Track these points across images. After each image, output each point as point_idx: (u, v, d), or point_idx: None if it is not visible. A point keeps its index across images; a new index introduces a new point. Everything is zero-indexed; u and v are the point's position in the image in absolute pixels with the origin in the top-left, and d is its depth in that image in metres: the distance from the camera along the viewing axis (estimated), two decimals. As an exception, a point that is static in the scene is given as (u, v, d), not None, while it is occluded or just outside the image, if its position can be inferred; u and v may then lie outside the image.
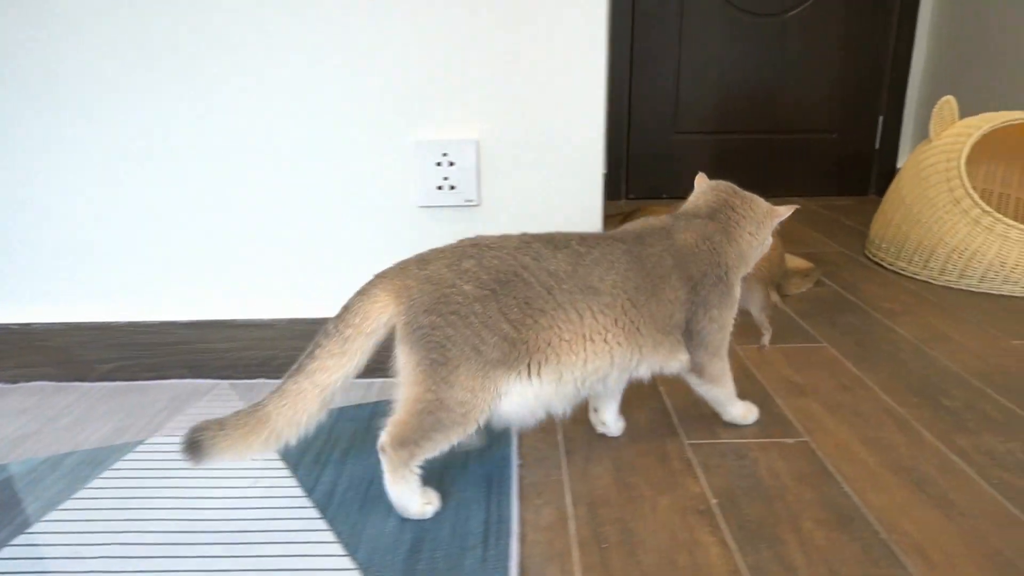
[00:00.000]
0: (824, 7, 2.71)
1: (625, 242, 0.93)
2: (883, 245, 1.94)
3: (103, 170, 1.18)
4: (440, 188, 1.19)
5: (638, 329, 0.91)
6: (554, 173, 1.21)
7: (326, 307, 1.26)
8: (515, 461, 1.00)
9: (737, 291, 1.02)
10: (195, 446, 0.79)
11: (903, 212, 1.87)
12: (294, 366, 0.83)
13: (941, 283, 1.76)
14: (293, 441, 0.82)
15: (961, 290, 1.72)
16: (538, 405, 0.89)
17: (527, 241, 0.89)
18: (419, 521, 0.87)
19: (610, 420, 1.07)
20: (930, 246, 1.78)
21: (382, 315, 0.83)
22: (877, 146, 2.88)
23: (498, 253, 0.86)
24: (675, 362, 0.98)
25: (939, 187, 1.78)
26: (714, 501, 0.91)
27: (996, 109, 2.32)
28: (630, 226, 1.00)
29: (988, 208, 1.70)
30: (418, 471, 0.87)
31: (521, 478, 0.97)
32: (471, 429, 0.85)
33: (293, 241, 1.23)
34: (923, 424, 1.10)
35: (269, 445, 0.82)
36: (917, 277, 1.82)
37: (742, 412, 1.09)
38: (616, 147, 2.85)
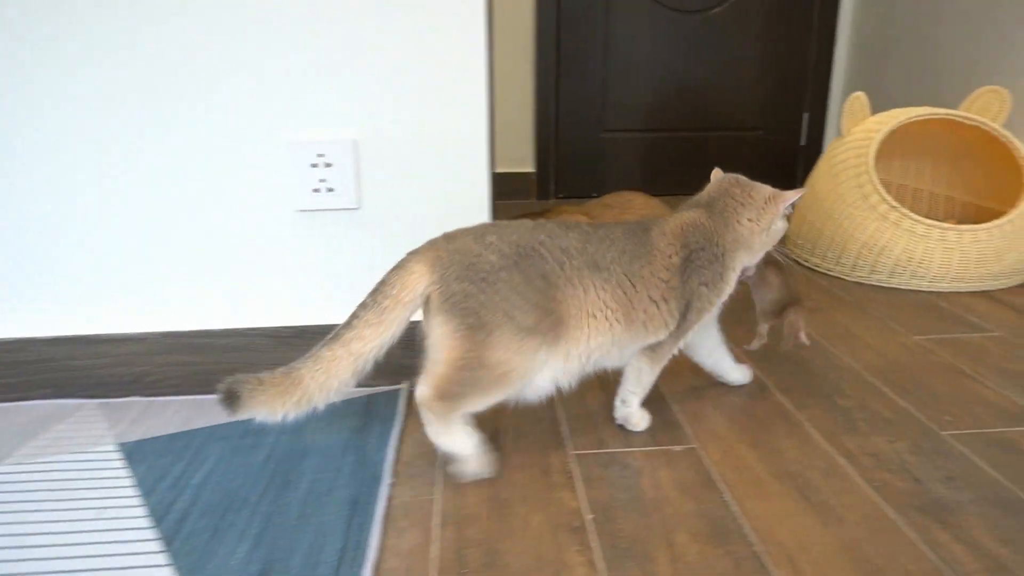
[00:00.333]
0: (746, 5, 2.72)
1: (628, 223, 1.00)
2: (799, 242, 1.94)
3: (-53, 176, 1.09)
4: (317, 191, 1.13)
5: (631, 303, 0.95)
6: (439, 173, 1.15)
7: (202, 319, 1.19)
8: (386, 480, 0.95)
9: (731, 279, 1.04)
10: (233, 396, 0.81)
11: (816, 208, 1.87)
12: (329, 335, 0.86)
13: (853, 279, 1.76)
14: (321, 407, 0.86)
15: (872, 286, 1.72)
16: (550, 382, 0.93)
17: (540, 223, 0.94)
18: (268, 549, 0.81)
19: (633, 405, 1.07)
20: (842, 242, 1.78)
21: (418, 285, 0.87)
22: (803, 143, 2.90)
23: (516, 230, 0.91)
24: (654, 337, 0.99)
25: (850, 183, 1.78)
26: (589, 516, 0.87)
27: (916, 104, 2.35)
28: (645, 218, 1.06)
29: (895, 203, 1.70)
30: (461, 419, 0.91)
31: (390, 499, 0.91)
32: (508, 391, 0.89)
33: (164, 250, 1.15)
34: (815, 425, 1.08)
35: (300, 407, 0.85)
36: (830, 273, 1.82)
37: (639, 416, 1.07)
38: (544, 147, 2.81)
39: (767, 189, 1.07)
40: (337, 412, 1.12)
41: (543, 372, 0.92)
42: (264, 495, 0.92)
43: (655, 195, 2.96)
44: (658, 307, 0.96)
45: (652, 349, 1.01)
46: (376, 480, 0.94)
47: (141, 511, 0.89)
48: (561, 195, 2.87)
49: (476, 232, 0.91)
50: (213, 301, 1.18)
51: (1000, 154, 1.81)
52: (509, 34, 2.69)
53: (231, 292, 1.18)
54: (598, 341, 0.93)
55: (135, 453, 1.02)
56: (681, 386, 1.20)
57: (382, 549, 0.82)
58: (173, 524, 0.86)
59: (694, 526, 0.85)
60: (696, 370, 1.21)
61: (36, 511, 0.88)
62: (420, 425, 1.08)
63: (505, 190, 2.84)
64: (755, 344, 1.24)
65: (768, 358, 1.31)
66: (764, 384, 1.22)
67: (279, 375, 0.84)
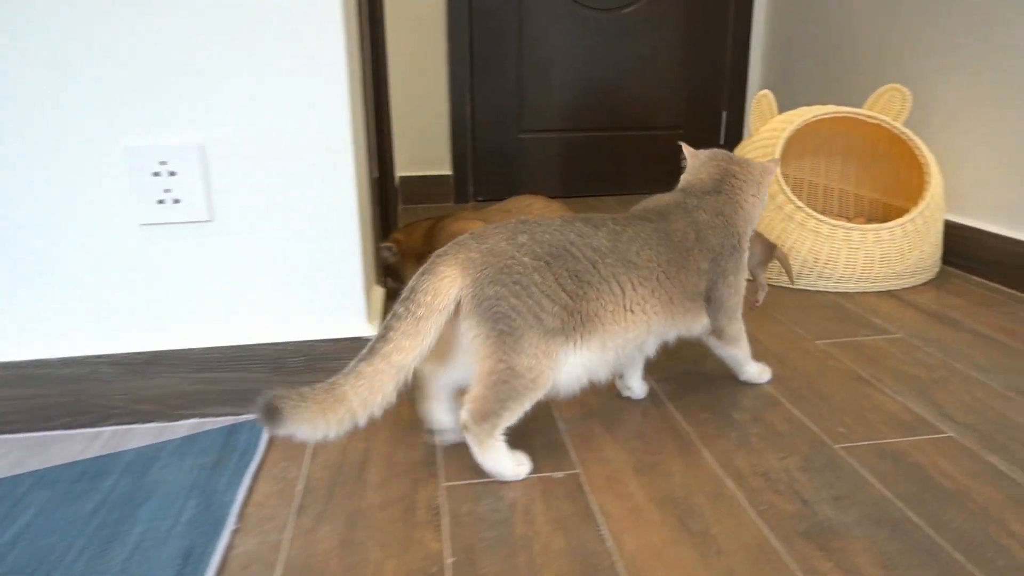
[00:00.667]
0: (661, 3, 2.69)
1: (652, 221, 1.00)
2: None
3: None
4: (162, 203, 1.02)
5: (671, 299, 0.98)
6: (301, 180, 1.05)
7: (38, 347, 1.07)
8: (230, 526, 0.85)
9: (747, 255, 1.10)
10: (274, 412, 0.78)
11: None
12: (364, 350, 0.84)
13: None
14: (363, 424, 0.83)
15: (780, 287, 1.69)
16: (584, 373, 0.94)
17: (569, 220, 0.94)
18: (71, 623, 0.70)
19: (636, 385, 1.14)
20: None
21: (451, 289, 0.85)
22: (722, 141, 2.88)
23: (547, 229, 0.91)
24: (698, 326, 1.06)
25: (757, 183, 1.75)
26: (450, 560, 0.79)
27: (830, 101, 2.34)
28: (648, 203, 1.06)
29: (801, 204, 1.67)
30: (503, 438, 0.91)
31: (230, 548, 0.81)
32: (541, 394, 0.89)
33: (-12, 271, 1.02)
34: (707, 443, 1.02)
35: (343, 425, 0.82)
36: (741, 275, 1.78)
37: (757, 371, 1.18)
38: (460, 149, 2.72)
39: (756, 163, 1.11)
40: (193, 445, 1.02)
41: (576, 366, 0.92)
42: (83, 552, 0.80)
43: (577, 196, 2.92)
44: (694, 301, 1.03)
45: (721, 336, 1.10)
46: (218, 526, 0.84)
47: (-67, 579, 0.77)
48: (480, 197, 2.79)
49: (507, 232, 0.90)
50: (50, 327, 1.05)
51: (904, 152, 1.80)
52: (420, 32, 2.59)
53: (70, 317, 1.05)
54: (635, 333, 0.96)
55: (-58, 506, 0.89)
56: (573, 406, 1.13)
57: (208, 613, 0.72)
58: (-32, 593, 0.74)
59: (562, 567, 0.77)
60: (595, 388, 1.14)
61: None
62: (282, 458, 0.99)
63: (422, 193, 2.75)
64: (761, 296, 1.37)
65: (669, 367, 1.25)
66: (660, 399, 1.16)
67: (321, 392, 0.81)
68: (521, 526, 0.84)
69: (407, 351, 0.83)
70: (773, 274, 1.68)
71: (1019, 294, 1.62)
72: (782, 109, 2.08)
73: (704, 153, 1.12)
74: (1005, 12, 1.64)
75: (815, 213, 1.65)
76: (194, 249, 1.05)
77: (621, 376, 1.14)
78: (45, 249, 1.02)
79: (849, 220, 2.07)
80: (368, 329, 1.12)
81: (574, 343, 0.90)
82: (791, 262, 1.33)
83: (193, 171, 1.01)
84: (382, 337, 0.84)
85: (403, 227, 1.62)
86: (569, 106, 2.75)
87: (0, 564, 0.79)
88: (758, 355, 1.30)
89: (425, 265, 0.88)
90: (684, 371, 1.25)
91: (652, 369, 1.25)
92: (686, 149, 1.13)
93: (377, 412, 0.84)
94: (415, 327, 0.84)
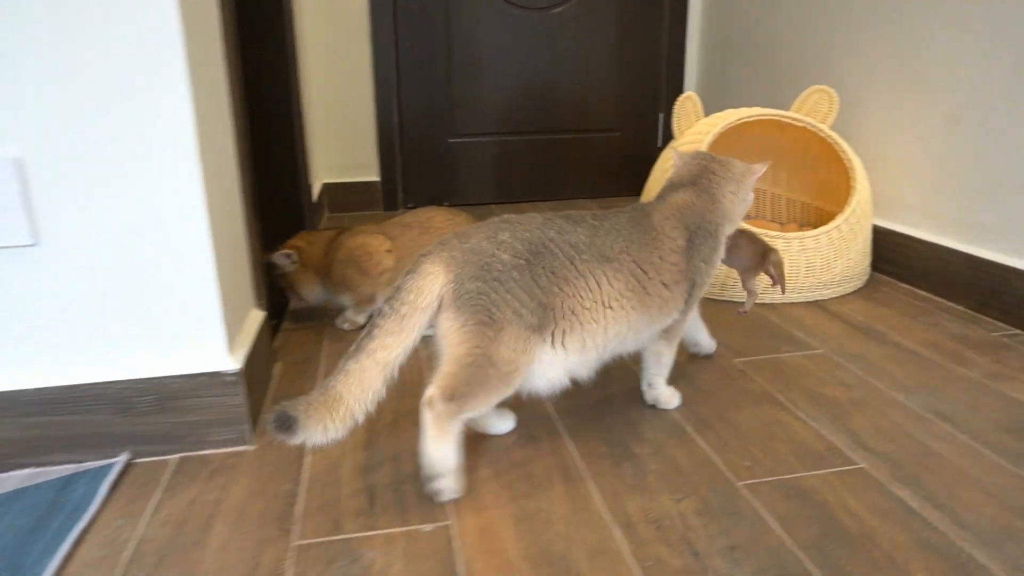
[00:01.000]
0: (593, 2, 2.60)
1: (627, 212, 1.02)
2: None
3: None
4: (-26, 225, 0.89)
5: (646, 290, 0.98)
6: (140, 197, 0.93)
7: None
8: (28, 608, 0.72)
9: (722, 252, 1.11)
10: (291, 422, 0.80)
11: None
12: (352, 347, 0.85)
13: (687, 292, 1.65)
14: (360, 419, 0.84)
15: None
16: (564, 375, 0.95)
17: (550, 218, 0.96)
18: None
19: (703, 340, 1.28)
20: (674, 253, 1.66)
21: (434, 287, 0.87)
22: (659, 144, 2.81)
23: (528, 227, 0.93)
24: (670, 318, 1.04)
25: (681, 190, 1.67)
26: (279, 643, 0.68)
27: (770, 104, 2.28)
28: (634, 204, 1.07)
29: (725, 211, 1.59)
30: (458, 430, 0.89)
31: (22, 637, 0.69)
32: (510, 391, 0.90)
33: None
34: (599, 483, 0.92)
35: (345, 424, 0.83)
36: (666, 286, 1.70)
37: (668, 394, 1.13)
38: (388, 154, 2.60)
39: (739, 162, 1.13)
40: (17, 501, 0.89)
41: (555, 366, 0.93)
42: None
43: (512, 202, 2.83)
44: (670, 290, 1.01)
45: (667, 332, 1.07)
46: (13, 610, 0.72)
47: None
48: (411, 204, 2.68)
49: (488, 230, 0.92)
50: None
51: (833, 155, 1.74)
52: (343, 31, 2.47)
53: None
54: (615, 330, 0.97)
55: None
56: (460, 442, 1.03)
57: None
58: None
59: (408, 647, 0.67)
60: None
61: None
62: (118, 514, 0.87)
63: (348, 200, 2.62)
64: (749, 304, 1.27)
65: (574, 395, 1.15)
66: (557, 430, 1.06)
67: (318, 395, 0.83)
68: (372, 595, 0.74)
69: (391, 348, 0.85)
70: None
71: (946, 302, 1.56)
72: (718, 111, 2.00)
73: (688, 154, 1.16)
74: (928, 17, 1.58)
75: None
76: (16, 277, 0.92)
77: (650, 385, 1.13)
78: None
79: (782, 226, 2.00)
80: (230, 362, 1.00)
81: (553, 342, 0.92)
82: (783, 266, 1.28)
83: (9, 187, 0.88)
84: (367, 335, 0.86)
85: (304, 235, 1.50)
86: (501, 109, 2.65)
87: None
88: (672, 376, 1.21)
89: (411, 265, 0.89)
90: (589, 399, 1.15)
91: (554, 397, 1.15)
92: (675, 152, 1.17)
93: (371, 408, 0.85)
94: (399, 325, 0.85)
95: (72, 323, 0.95)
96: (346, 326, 1.47)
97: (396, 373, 0.87)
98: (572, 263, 0.92)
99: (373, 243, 1.40)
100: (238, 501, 0.90)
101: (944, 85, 1.57)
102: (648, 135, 2.80)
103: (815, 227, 1.78)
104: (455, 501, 0.89)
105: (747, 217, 2.00)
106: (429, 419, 0.88)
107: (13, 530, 0.85)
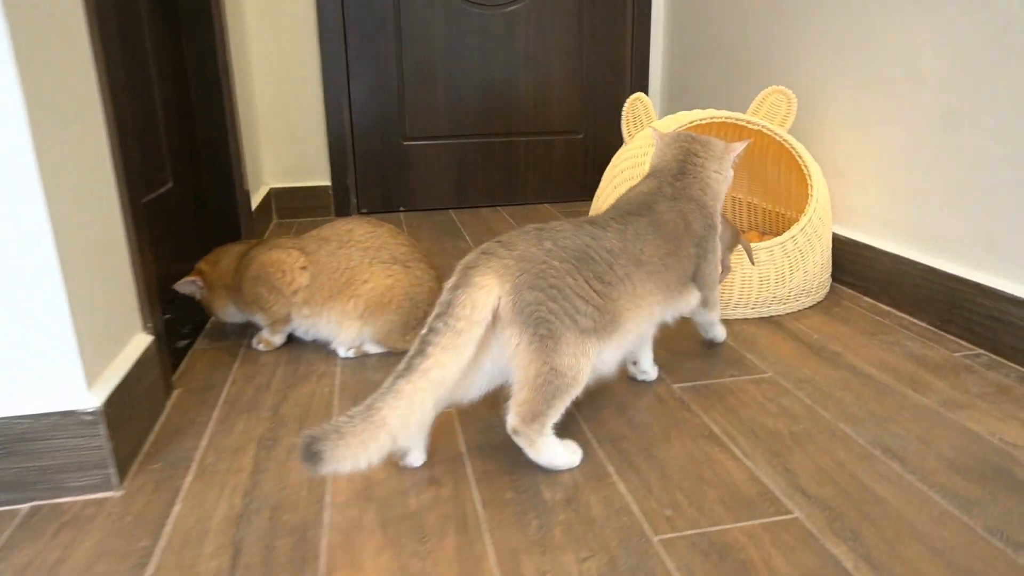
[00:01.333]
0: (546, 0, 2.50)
1: (643, 215, 1.04)
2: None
3: None
4: None
5: (668, 287, 1.03)
6: (-24, 217, 0.81)
7: None
8: None
9: (720, 230, 1.17)
10: (316, 456, 0.77)
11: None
12: (401, 366, 0.82)
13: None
14: (406, 444, 0.85)
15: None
16: (603, 367, 0.97)
17: (579, 224, 0.97)
18: None
19: (647, 366, 1.20)
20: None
21: (490, 299, 0.85)
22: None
23: (565, 235, 0.93)
24: (689, 304, 1.12)
25: (629, 197, 1.56)
26: None
27: (737, 105, 2.18)
28: (630, 196, 1.11)
29: (673, 221, 1.49)
30: (552, 432, 0.92)
31: None
32: (580, 390, 0.91)
33: None
34: (497, 538, 0.82)
35: (384, 450, 0.80)
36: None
37: (723, 331, 1.33)
38: (339, 157, 2.49)
39: (719, 141, 1.16)
40: None
41: (601, 362, 0.95)
42: None
43: (469, 207, 2.71)
44: (686, 284, 1.09)
45: (703, 303, 1.16)
46: None
47: None
48: (365, 210, 2.56)
49: (531, 238, 0.91)
50: None
51: (791, 160, 1.64)
52: (288, 30, 2.35)
53: None
54: (645, 325, 1.02)
55: None
56: (348, 486, 0.92)
57: None
58: None
59: None
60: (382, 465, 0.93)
61: None
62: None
63: (298, 206, 2.51)
64: (723, 277, 1.32)
65: (495, 427, 1.04)
66: (463, 472, 0.95)
67: (359, 421, 0.79)
68: None
69: (447, 366, 0.82)
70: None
71: (908, 318, 1.46)
72: (686, 111, 1.90)
73: (668, 135, 1.17)
74: (890, 18, 1.48)
75: (687, 232, 1.47)
76: None
77: (635, 363, 1.19)
78: None
79: (743, 234, 1.90)
80: (89, 399, 0.89)
81: (602, 340, 0.93)
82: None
83: None
84: (420, 352, 0.82)
85: (211, 256, 1.38)
86: (457, 110, 2.54)
87: None
88: (600, 408, 1.11)
89: (456, 278, 0.87)
90: (504, 436, 1.05)
91: (468, 431, 1.04)
92: (655, 133, 1.19)
93: (414, 431, 0.84)
94: (454, 341, 0.82)
95: (-101, 358, 0.83)
96: (261, 347, 1.36)
97: (448, 395, 0.85)
98: (612, 268, 0.94)
99: (286, 259, 1.29)
100: (81, 563, 0.79)
101: (907, 87, 1.47)
102: (612, 137, 2.69)
103: (777, 235, 1.68)
104: (331, 559, 0.78)
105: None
106: (524, 444, 0.91)
107: None
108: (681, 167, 1.13)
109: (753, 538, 0.81)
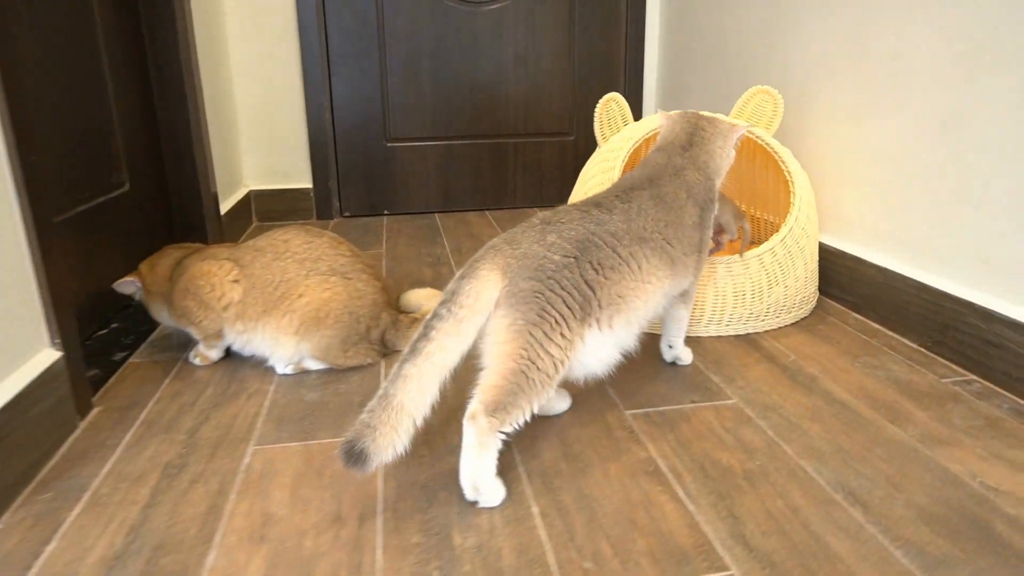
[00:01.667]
0: (543, -6, 2.40)
1: (646, 188, 1.06)
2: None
3: None
4: None
5: (673, 261, 1.04)
6: None
7: None
8: None
9: (718, 206, 1.19)
10: (361, 456, 0.79)
11: (569, 234, 1.54)
12: (406, 351, 0.84)
13: (604, 322, 1.44)
14: (420, 424, 0.83)
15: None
16: (615, 351, 0.99)
17: (585, 210, 0.98)
18: None
19: (680, 349, 1.25)
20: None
21: (492, 291, 0.88)
22: (619, 149, 2.60)
23: (570, 225, 0.95)
24: (689, 279, 1.12)
25: (599, 204, 1.46)
26: None
27: (728, 105, 2.07)
28: (637, 173, 1.12)
29: (643, 230, 1.38)
30: (500, 446, 0.88)
31: None
32: (553, 389, 0.91)
33: None
34: (392, 592, 0.73)
35: (409, 432, 0.83)
36: (583, 314, 1.49)
37: (688, 354, 1.26)
38: (320, 159, 2.41)
39: (723, 119, 1.21)
40: None
41: (607, 345, 0.97)
42: None
43: (457, 210, 2.61)
44: (690, 257, 1.08)
45: (684, 295, 1.16)
46: None
47: None
48: (347, 213, 2.49)
49: (536, 234, 0.94)
50: None
51: (777, 164, 1.53)
52: (268, 29, 2.28)
53: None
54: (654, 301, 1.02)
55: None
56: (244, 523, 0.83)
57: None
58: None
59: None
60: (289, 478, 0.85)
61: None
62: None
63: (279, 209, 2.44)
64: (743, 247, 1.37)
65: (426, 456, 0.95)
66: (373, 510, 0.86)
67: (380, 411, 0.81)
68: None
69: (449, 350, 0.84)
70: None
71: (897, 337, 1.35)
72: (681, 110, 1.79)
73: (675, 114, 1.23)
74: (883, 14, 1.36)
75: (657, 242, 1.37)
76: None
77: (670, 346, 1.24)
78: None
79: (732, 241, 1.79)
80: (-39, 425, 0.81)
81: (601, 326, 0.94)
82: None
83: None
84: (424, 337, 0.84)
85: (154, 256, 1.31)
86: (444, 111, 2.46)
87: None
88: (537, 439, 1.02)
89: (462, 271, 0.90)
90: (434, 470, 0.95)
91: (392, 463, 0.95)
92: (662, 114, 1.23)
93: (427, 412, 0.84)
94: (456, 327, 0.85)
95: None
96: (197, 361, 1.28)
97: (449, 378, 0.86)
98: (615, 251, 0.96)
99: (217, 271, 1.21)
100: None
101: (899, 87, 1.35)
102: (606, 139, 2.58)
103: (762, 242, 1.57)
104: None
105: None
106: (472, 433, 0.87)
107: None
108: (689, 139, 1.17)
109: (677, 600, 0.71)
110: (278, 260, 1.21)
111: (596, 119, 1.57)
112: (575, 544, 0.79)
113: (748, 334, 1.37)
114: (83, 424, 1.08)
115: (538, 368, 0.88)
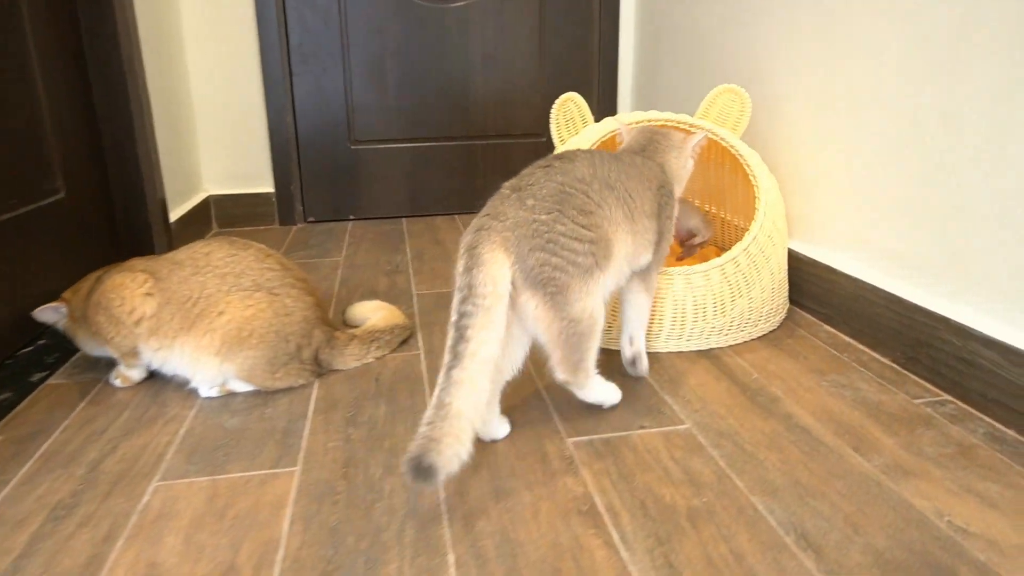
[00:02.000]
0: (512, -10, 2.31)
1: (610, 153, 1.09)
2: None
3: None
4: None
5: (634, 217, 1.04)
6: None
7: None
8: None
9: (677, 209, 1.19)
10: (429, 470, 0.78)
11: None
12: (448, 357, 0.84)
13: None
14: (479, 425, 0.84)
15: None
16: (607, 296, 1.01)
17: (548, 165, 1.01)
18: None
19: (641, 343, 1.20)
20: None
21: (503, 270, 0.89)
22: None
23: (541, 184, 0.97)
24: (646, 257, 1.10)
25: (555, 211, 1.38)
26: None
27: (690, 102, 1.98)
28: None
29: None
30: (596, 372, 1.01)
31: None
32: (603, 322, 0.98)
33: None
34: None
35: (471, 438, 0.82)
36: (538, 327, 1.41)
37: (646, 364, 1.21)
38: (284, 164, 2.32)
39: (678, 133, 1.23)
40: None
41: (607, 286, 1.00)
42: None
43: (424, 215, 2.51)
44: (649, 222, 1.07)
45: (643, 279, 1.13)
46: None
47: None
48: (311, 218, 2.40)
49: (515, 202, 0.95)
50: None
51: (741, 166, 1.44)
52: (226, 24, 2.19)
53: None
54: (625, 251, 1.02)
55: None
56: (125, 574, 0.75)
57: None
58: None
59: None
60: (230, 522, 0.76)
61: None
62: None
63: (240, 215, 2.35)
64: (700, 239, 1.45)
65: (360, 490, 0.86)
66: (271, 555, 0.77)
67: (440, 421, 0.81)
68: None
69: (489, 343, 0.85)
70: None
71: (868, 352, 1.26)
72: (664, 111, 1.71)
73: (635, 128, 1.25)
74: (856, 6, 1.28)
75: (612, 252, 1.28)
76: None
77: (631, 342, 1.20)
78: None
79: (702, 247, 1.71)
80: None
81: (603, 270, 0.97)
82: None
83: None
84: (461, 338, 0.84)
85: (78, 283, 1.22)
86: (410, 112, 2.37)
87: None
88: (468, 477, 0.93)
89: (464, 262, 0.89)
90: (351, 509, 0.87)
91: (302, 501, 0.87)
92: (623, 128, 1.26)
93: (483, 412, 0.86)
94: (488, 318, 0.85)
95: None
96: (118, 382, 1.19)
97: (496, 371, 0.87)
98: (588, 195, 0.97)
99: (129, 284, 1.12)
100: None
101: (877, 87, 1.26)
102: (580, 140, 2.50)
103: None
104: None
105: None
106: (575, 389, 1.01)
107: None
108: (643, 148, 1.19)
109: (593, 672, 0.62)
110: (197, 274, 1.12)
111: (552, 121, 1.49)
112: (489, 600, 0.71)
113: (710, 349, 1.28)
114: (-23, 456, 0.99)
115: (579, 322, 0.93)
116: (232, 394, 1.15)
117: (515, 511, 0.84)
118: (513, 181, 0.99)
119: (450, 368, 0.83)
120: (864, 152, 1.28)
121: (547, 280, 0.91)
